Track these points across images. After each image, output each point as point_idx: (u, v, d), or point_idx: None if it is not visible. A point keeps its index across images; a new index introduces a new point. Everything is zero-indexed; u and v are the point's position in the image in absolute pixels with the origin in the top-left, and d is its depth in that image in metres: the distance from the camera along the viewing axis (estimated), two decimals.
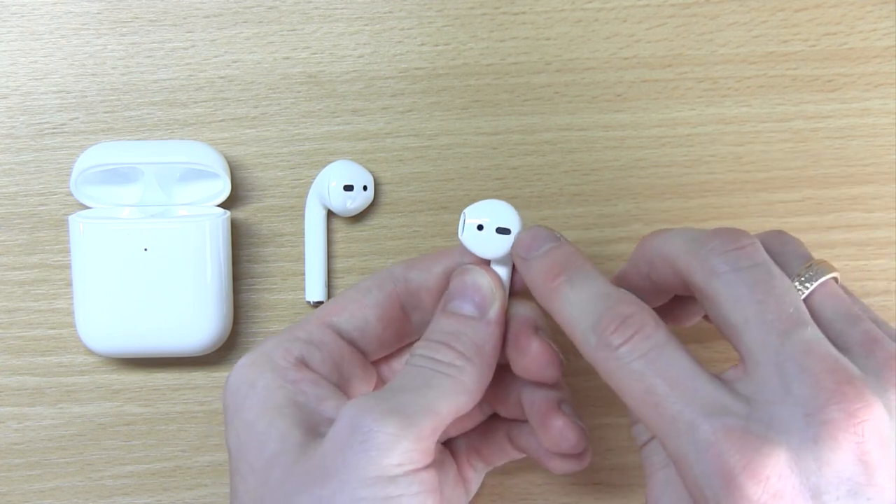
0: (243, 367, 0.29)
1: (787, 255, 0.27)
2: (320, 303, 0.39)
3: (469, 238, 0.31)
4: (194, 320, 0.36)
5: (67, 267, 0.38)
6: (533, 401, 0.31)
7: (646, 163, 0.39)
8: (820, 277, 0.26)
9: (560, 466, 0.32)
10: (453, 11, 0.38)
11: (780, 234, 0.29)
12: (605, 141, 0.39)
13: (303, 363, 0.29)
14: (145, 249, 0.36)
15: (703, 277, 0.25)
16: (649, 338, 0.25)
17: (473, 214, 0.31)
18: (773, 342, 0.24)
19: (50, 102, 0.38)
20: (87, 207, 0.38)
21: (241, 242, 0.39)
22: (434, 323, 0.30)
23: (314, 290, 0.38)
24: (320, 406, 0.28)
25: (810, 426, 0.22)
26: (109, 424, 0.39)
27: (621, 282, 0.30)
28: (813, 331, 0.24)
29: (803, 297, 0.26)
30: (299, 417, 0.28)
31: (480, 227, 0.31)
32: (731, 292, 0.25)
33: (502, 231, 0.31)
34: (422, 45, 0.39)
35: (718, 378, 0.25)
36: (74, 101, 0.38)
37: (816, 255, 0.39)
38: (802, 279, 0.26)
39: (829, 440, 0.22)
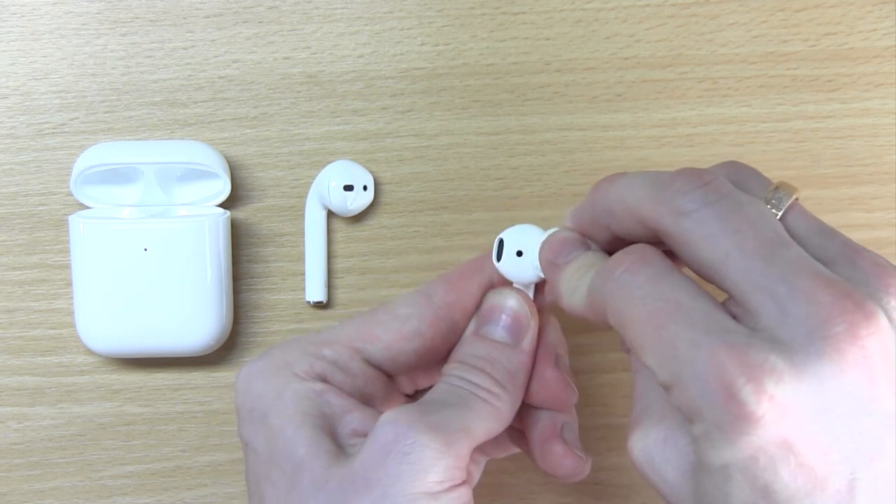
0: (264, 372, 0.29)
1: (747, 182, 0.27)
2: (320, 303, 0.39)
3: (503, 262, 0.31)
4: (194, 320, 0.36)
5: (67, 267, 0.38)
6: (535, 421, 0.31)
7: (646, 163, 0.39)
8: (789, 198, 0.25)
9: (554, 474, 0.32)
10: (453, 11, 0.38)
11: (733, 164, 0.28)
12: (605, 141, 0.39)
13: (325, 380, 0.29)
14: (145, 249, 0.36)
15: (672, 220, 0.25)
16: (651, 264, 0.25)
17: (509, 238, 0.31)
18: (760, 268, 0.23)
19: (50, 102, 0.38)
20: (87, 207, 0.38)
21: (241, 242, 0.39)
22: (468, 345, 0.30)
23: (314, 290, 0.38)
24: (346, 417, 0.28)
25: (814, 342, 0.21)
26: (109, 424, 0.39)
27: (581, 233, 0.30)
28: (797, 250, 0.23)
29: (777, 218, 0.25)
30: (327, 426, 0.28)
31: (520, 253, 0.30)
32: (704, 229, 0.24)
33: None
34: (422, 45, 0.39)
35: (723, 305, 0.24)
36: (74, 101, 0.38)
37: None
38: (771, 202, 0.25)
39: (835, 354, 0.21)
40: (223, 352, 0.39)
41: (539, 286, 0.31)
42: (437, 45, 0.39)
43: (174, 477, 0.39)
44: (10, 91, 0.38)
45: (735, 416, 0.21)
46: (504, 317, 0.30)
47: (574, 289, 0.27)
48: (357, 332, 0.30)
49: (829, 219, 0.39)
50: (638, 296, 0.24)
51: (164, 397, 0.39)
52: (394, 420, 0.26)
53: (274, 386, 0.28)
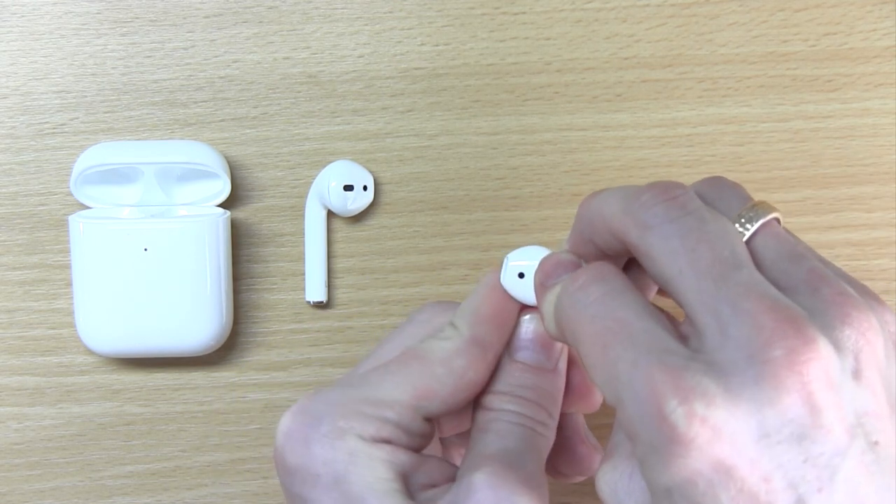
0: (326, 437, 0.28)
1: (725, 199, 0.26)
2: (320, 303, 0.39)
3: (510, 283, 0.30)
4: (194, 320, 0.36)
5: (67, 267, 0.38)
6: (559, 428, 0.32)
7: (646, 163, 0.39)
8: (761, 218, 0.25)
9: (578, 475, 0.32)
10: (453, 11, 0.38)
11: (717, 179, 0.28)
12: (605, 141, 0.39)
13: (390, 441, 0.28)
14: (145, 249, 0.36)
15: (637, 233, 0.25)
16: (605, 281, 0.25)
17: (517, 259, 0.30)
18: (709, 288, 0.23)
19: (50, 102, 0.38)
20: (87, 207, 0.38)
21: (241, 242, 0.39)
22: (510, 374, 0.30)
23: (314, 290, 0.38)
24: (414, 475, 0.28)
25: (751, 366, 0.21)
26: (109, 424, 0.39)
27: (575, 253, 0.30)
28: (749, 272, 0.23)
29: (745, 238, 0.25)
30: (403, 489, 0.27)
31: (521, 275, 0.30)
32: (664, 245, 0.24)
33: None
34: (422, 45, 0.39)
35: (673, 326, 0.24)
36: (74, 101, 0.38)
37: None
38: (743, 220, 0.25)
39: (772, 379, 0.21)
40: (223, 352, 0.39)
41: None
42: (437, 45, 0.39)
43: (174, 477, 0.39)
44: (10, 91, 0.38)
45: (667, 439, 0.21)
46: (539, 341, 0.30)
47: (548, 312, 0.27)
48: (415, 390, 0.29)
49: (829, 219, 0.39)
50: (588, 314, 0.24)
51: (164, 397, 0.39)
52: (492, 485, 0.26)
53: (342, 451, 0.27)
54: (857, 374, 0.22)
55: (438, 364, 0.29)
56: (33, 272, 0.39)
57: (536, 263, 0.30)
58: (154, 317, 0.36)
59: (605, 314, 0.24)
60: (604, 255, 0.28)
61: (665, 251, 0.24)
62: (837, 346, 0.22)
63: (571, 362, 0.32)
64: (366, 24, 0.38)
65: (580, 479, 0.33)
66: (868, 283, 0.39)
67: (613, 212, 0.26)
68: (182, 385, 0.39)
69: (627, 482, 0.24)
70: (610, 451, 0.25)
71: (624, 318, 0.23)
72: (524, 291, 0.30)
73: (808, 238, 0.39)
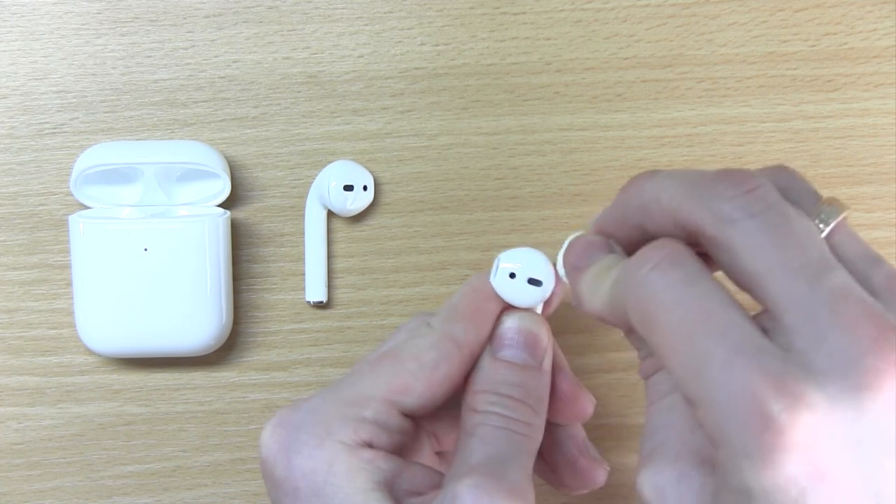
0: (305, 445, 0.28)
1: (796, 191, 0.25)
2: (320, 303, 0.39)
3: (500, 283, 0.30)
4: (194, 320, 0.36)
5: (67, 267, 0.38)
6: (557, 443, 0.31)
7: (646, 163, 0.39)
8: (837, 216, 0.24)
9: (581, 489, 0.32)
10: (453, 11, 0.38)
11: (783, 169, 0.26)
12: (605, 141, 0.39)
13: (370, 444, 0.28)
14: (145, 249, 0.36)
15: (716, 227, 0.23)
16: (683, 265, 0.23)
17: (507, 260, 0.30)
18: (802, 289, 0.22)
19: (50, 102, 0.38)
20: (87, 207, 0.38)
21: (241, 242, 0.39)
22: (493, 371, 0.30)
23: (314, 290, 0.38)
24: (397, 480, 0.28)
25: (851, 374, 0.21)
26: (109, 424, 0.39)
27: (606, 234, 0.29)
28: (843, 275, 0.22)
29: (823, 235, 0.24)
30: (388, 496, 0.27)
31: (513, 275, 0.30)
32: (748, 240, 0.23)
33: (534, 282, 0.30)
34: (422, 45, 0.39)
35: (755, 317, 0.23)
36: (74, 101, 0.38)
37: None
38: (819, 218, 0.24)
39: (872, 389, 0.20)
40: (223, 352, 0.39)
41: (544, 307, 0.31)
42: (437, 45, 0.39)
43: (174, 477, 0.39)
44: (10, 91, 0.38)
45: (767, 445, 0.20)
46: (523, 339, 0.30)
47: (594, 290, 0.26)
48: (389, 385, 0.29)
49: None
50: (667, 299, 0.23)
51: (164, 397, 0.39)
52: (476, 497, 0.26)
53: (321, 461, 0.27)
54: None
55: (410, 359, 0.29)
56: (33, 272, 0.39)
57: (527, 265, 0.30)
58: (154, 317, 0.36)
59: (688, 300, 0.22)
60: (640, 240, 0.26)
61: (750, 247, 0.23)
62: None
63: (558, 369, 0.31)
64: (366, 24, 0.38)
65: (584, 492, 0.33)
66: None
67: (680, 199, 0.24)
68: (182, 385, 0.39)
69: (675, 487, 0.23)
70: (651, 454, 0.25)
71: (709, 308, 0.22)
72: (514, 292, 0.30)
73: None
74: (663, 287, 0.23)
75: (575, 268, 0.28)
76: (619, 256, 0.27)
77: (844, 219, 0.24)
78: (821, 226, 0.24)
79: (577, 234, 0.29)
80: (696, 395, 0.22)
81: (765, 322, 0.23)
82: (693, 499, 0.23)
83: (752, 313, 0.23)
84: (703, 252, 0.24)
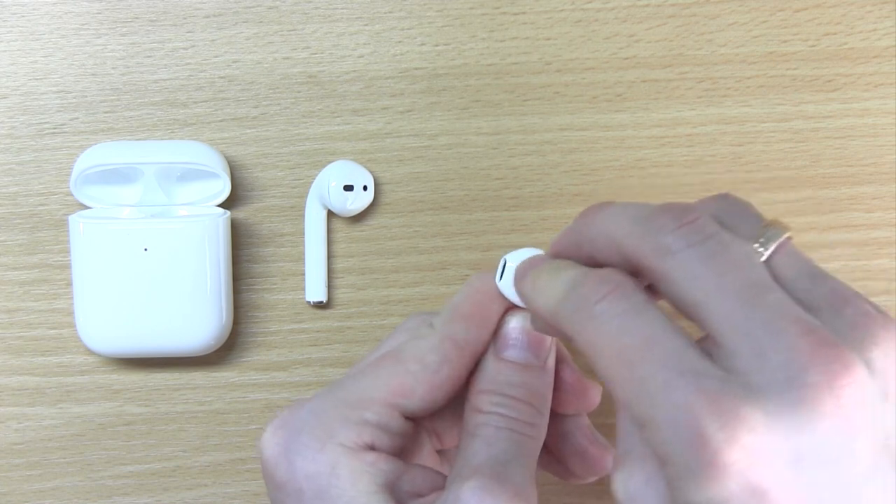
0: (307, 448, 0.28)
1: (737, 218, 0.26)
2: (320, 303, 0.39)
3: (506, 284, 0.30)
4: (194, 320, 0.36)
5: (67, 267, 0.38)
6: (565, 433, 0.32)
7: (646, 163, 0.39)
8: (777, 238, 0.25)
9: (592, 476, 0.32)
10: (453, 11, 0.38)
11: (726, 197, 0.27)
12: (605, 141, 0.39)
13: (372, 447, 0.28)
14: (145, 249, 0.36)
15: (656, 259, 0.24)
16: (628, 297, 0.24)
17: (514, 261, 0.30)
18: (739, 312, 0.22)
19: (50, 102, 0.38)
20: (87, 207, 0.38)
21: (241, 242, 0.39)
22: (496, 371, 0.30)
23: (314, 290, 0.38)
24: (398, 482, 0.28)
25: (790, 390, 0.21)
26: (109, 424, 0.39)
27: (562, 258, 0.29)
28: (780, 295, 0.23)
29: (763, 258, 0.24)
30: (388, 499, 0.27)
31: None
32: (687, 270, 0.23)
33: None
34: (422, 45, 0.39)
35: (698, 344, 0.24)
36: (74, 101, 0.38)
37: (816, 255, 0.39)
38: (760, 241, 0.25)
39: (810, 404, 0.21)
40: (223, 352, 0.39)
41: None
42: (437, 45, 0.39)
43: (174, 477, 0.39)
44: (10, 91, 0.38)
45: (705, 463, 0.21)
46: (528, 339, 0.30)
47: (542, 291, 0.27)
48: (391, 388, 0.29)
49: (829, 219, 0.39)
50: (611, 329, 0.24)
51: (164, 397, 0.39)
52: (480, 499, 0.26)
53: (324, 464, 0.27)
54: (886, 394, 0.22)
55: (412, 361, 0.29)
56: (33, 272, 0.39)
57: None
58: (154, 317, 0.36)
59: (630, 330, 0.23)
60: (593, 265, 0.28)
61: (688, 277, 0.23)
62: (870, 367, 0.22)
63: (562, 361, 0.31)
64: (366, 24, 0.38)
65: (593, 479, 0.33)
66: (868, 283, 0.40)
67: (625, 234, 0.25)
68: (182, 385, 0.39)
69: (644, 489, 0.24)
70: (623, 457, 0.25)
71: (651, 336, 0.23)
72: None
73: (808, 238, 0.39)
74: (608, 318, 0.24)
75: (519, 280, 0.29)
76: (568, 261, 0.28)
77: (788, 239, 0.25)
78: (761, 249, 0.25)
79: (520, 251, 0.30)
80: (641, 417, 0.23)
81: (710, 348, 0.23)
82: (659, 500, 0.23)
83: (698, 338, 0.24)
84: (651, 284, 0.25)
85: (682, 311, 0.24)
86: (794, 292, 0.24)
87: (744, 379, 0.22)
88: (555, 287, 0.26)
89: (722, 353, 0.23)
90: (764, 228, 0.25)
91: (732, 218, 0.26)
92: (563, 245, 0.29)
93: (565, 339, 0.26)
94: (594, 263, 0.27)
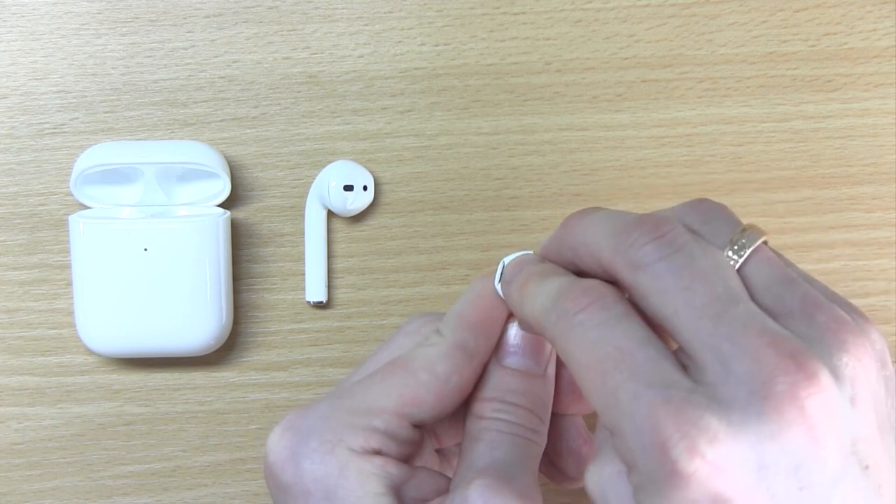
0: (316, 452, 0.28)
1: (713, 224, 0.26)
2: (320, 303, 0.39)
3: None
4: (194, 320, 0.36)
5: (67, 267, 0.38)
6: (559, 434, 0.32)
7: (646, 163, 0.39)
8: (752, 244, 0.25)
9: (573, 481, 0.32)
10: (453, 11, 0.38)
11: (702, 203, 0.27)
12: (605, 141, 0.39)
13: (379, 452, 0.28)
14: (145, 249, 0.36)
15: (628, 273, 0.25)
16: (607, 308, 0.25)
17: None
18: (706, 326, 0.23)
19: (50, 102, 0.38)
20: (87, 207, 0.38)
21: (241, 242, 0.39)
22: (499, 380, 0.30)
23: (314, 290, 0.38)
24: (404, 487, 0.28)
25: (754, 401, 0.21)
26: (109, 424, 0.39)
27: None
28: (746, 306, 0.23)
29: (737, 266, 0.25)
30: (397, 502, 0.27)
31: None
32: (657, 284, 0.24)
33: None
34: (422, 45, 0.39)
35: (673, 354, 0.24)
36: (74, 101, 0.38)
37: (816, 255, 0.39)
38: (735, 248, 0.25)
39: (774, 414, 0.21)
40: (223, 352, 0.39)
41: None
42: (437, 45, 0.39)
43: (174, 477, 0.39)
44: (10, 91, 0.38)
45: (667, 472, 0.21)
46: (528, 347, 0.30)
47: (527, 298, 0.27)
48: (401, 398, 0.29)
49: (829, 219, 0.39)
50: (589, 339, 0.24)
51: (164, 397, 0.39)
52: (486, 499, 0.26)
53: (332, 466, 0.28)
54: (853, 400, 0.22)
55: (422, 370, 0.29)
56: (33, 272, 0.39)
57: None
58: (154, 317, 0.36)
59: (606, 341, 0.24)
60: (578, 272, 0.28)
61: (658, 291, 0.24)
62: (836, 374, 0.22)
63: (562, 364, 0.31)
64: (366, 24, 0.38)
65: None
66: (868, 283, 0.40)
67: (602, 247, 0.26)
68: (182, 385, 0.39)
69: (615, 483, 0.24)
70: (596, 452, 0.26)
71: (625, 347, 0.23)
72: None
73: (808, 238, 0.39)
74: (587, 329, 0.24)
75: (506, 283, 0.29)
76: (554, 266, 0.28)
77: (764, 243, 0.25)
78: (735, 256, 0.25)
79: (517, 254, 0.30)
80: (610, 426, 0.23)
81: (684, 360, 0.24)
82: (629, 495, 0.24)
83: (676, 348, 0.24)
84: None
85: (657, 323, 0.25)
86: (766, 299, 0.24)
87: (710, 390, 0.22)
88: (540, 295, 0.27)
89: (693, 366, 0.23)
90: (740, 234, 0.25)
91: (709, 224, 0.26)
92: (548, 251, 0.29)
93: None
94: (578, 269, 0.28)
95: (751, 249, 0.25)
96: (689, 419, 0.21)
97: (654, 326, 0.26)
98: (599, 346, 0.24)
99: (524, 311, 0.28)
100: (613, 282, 0.26)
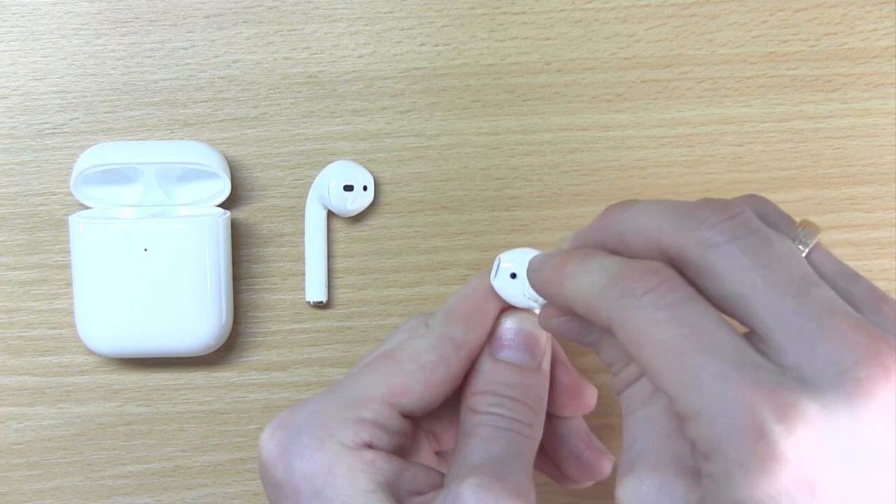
0: (306, 447, 0.28)
1: (771, 217, 0.26)
2: (320, 303, 0.39)
3: (501, 284, 0.30)
4: (194, 320, 0.36)
5: (67, 267, 0.38)
6: (561, 437, 0.32)
7: (646, 163, 0.39)
8: (813, 237, 0.25)
9: (589, 480, 0.32)
10: (453, 11, 0.38)
11: (755, 197, 0.27)
12: (605, 141, 0.39)
13: (370, 445, 0.28)
14: (145, 249, 0.36)
15: (699, 252, 0.24)
16: (676, 290, 0.24)
17: (509, 261, 0.30)
18: (789, 306, 0.22)
19: (50, 102, 0.38)
20: (87, 207, 0.38)
21: (241, 242, 0.39)
22: (493, 372, 0.30)
23: (314, 290, 0.38)
24: (397, 481, 0.28)
25: (845, 384, 0.21)
26: (109, 424, 0.39)
27: None
28: (827, 290, 0.23)
29: (804, 254, 0.25)
30: (386, 498, 0.27)
31: (514, 275, 0.30)
32: (731, 262, 0.23)
33: None
34: (422, 45, 0.39)
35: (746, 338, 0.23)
36: (74, 101, 0.38)
37: None
38: (797, 240, 0.25)
39: (866, 397, 0.21)
40: (223, 352, 0.39)
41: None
42: (437, 45, 0.39)
43: (174, 477, 0.39)
44: (10, 91, 0.38)
45: (762, 456, 0.21)
46: (523, 340, 0.30)
47: (571, 279, 0.26)
48: (389, 387, 0.29)
49: (829, 219, 0.39)
50: (660, 318, 0.23)
51: (164, 397, 0.39)
52: (479, 496, 0.26)
53: (322, 463, 0.27)
54: None
55: (409, 360, 0.29)
56: (33, 272, 0.39)
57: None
58: (154, 317, 0.36)
59: (680, 320, 0.23)
60: None
61: (734, 269, 0.23)
62: None
63: (557, 362, 0.31)
64: (366, 24, 0.38)
65: (589, 483, 0.33)
66: None
67: (661, 227, 0.25)
68: (182, 385, 0.39)
69: (657, 496, 0.24)
70: (631, 464, 0.25)
71: (703, 327, 0.23)
72: (515, 292, 0.30)
73: None
74: (657, 309, 0.23)
75: (535, 270, 0.28)
76: (594, 249, 0.27)
77: (819, 240, 0.25)
78: (800, 247, 0.25)
79: (514, 251, 0.30)
80: (689, 409, 0.22)
81: (755, 343, 0.23)
82: None
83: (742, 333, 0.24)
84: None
85: (725, 306, 0.24)
86: (835, 289, 0.24)
87: (797, 372, 0.22)
88: (590, 276, 0.26)
89: (771, 347, 0.22)
90: (798, 228, 0.25)
91: (766, 216, 0.26)
92: (586, 240, 0.28)
93: (596, 325, 0.26)
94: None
95: (813, 242, 0.25)
96: (784, 401, 0.21)
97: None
98: (675, 327, 0.23)
99: (566, 290, 0.26)
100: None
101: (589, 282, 0.26)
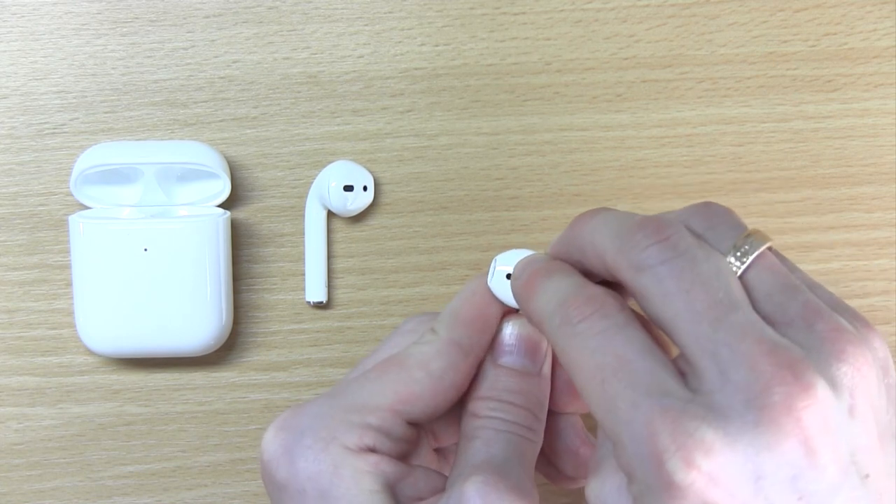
0: (310, 449, 0.28)
1: (717, 228, 0.26)
2: (320, 303, 0.39)
3: (497, 285, 0.30)
4: (194, 320, 0.36)
5: (67, 267, 0.38)
6: (557, 433, 0.32)
7: (646, 163, 0.39)
8: (755, 250, 0.25)
9: (572, 480, 0.32)
10: (453, 11, 0.38)
11: (707, 207, 0.27)
12: (605, 141, 0.39)
13: (374, 450, 0.28)
14: (145, 249, 0.36)
15: (631, 275, 0.25)
16: (609, 316, 0.25)
17: (504, 262, 0.30)
18: (706, 332, 0.23)
19: (50, 102, 0.38)
20: (87, 207, 0.38)
21: (241, 242, 0.39)
22: (495, 378, 0.30)
23: (314, 290, 0.38)
24: (400, 484, 0.28)
25: (750, 411, 0.21)
26: (109, 424, 0.39)
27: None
28: (745, 314, 0.23)
29: (739, 272, 0.25)
30: (390, 500, 0.27)
31: (510, 276, 0.30)
32: (658, 287, 0.24)
33: None
34: (422, 45, 0.39)
35: (675, 365, 0.24)
36: (74, 101, 0.38)
37: (816, 255, 0.39)
38: (738, 254, 0.25)
39: (770, 424, 0.21)
40: (223, 352, 0.39)
41: None
42: (437, 45, 0.39)
43: (174, 477, 0.39)
44: (10, 91, 0.38)
45: (664, 483, 0.21)
46: (524, 346, 0.30)
47: (534, 299, 0.27)
48: (396, 395, 0.29)
49: (829, 219, 0.39)
50: (589, 347, 0.24)
51: (164, 397, 0.39)
52: (483, 494, 0.26)
53: (327, 463, 0.27)
54: (851, 410, 0.22)
55: (417, 367, 0.29)
56: (33, 272, 0.39)
57: None
58: (154, 317, 0.36)
59: (606, 349, 0.24)
60: (591, 277, 0.28)
61: (660, 294, 0.24)
62: (834, 384, 0.22)
63: (556, 360, 0.31)
64: (366, 24, 0.38)
65: (584, 482, 0.33)
66: (868, 283, 0.40)
67: (606, 248, 0.26)
68: (182, 385, 0.39)
69: (616, 497, 0.24)
70: (597, 464, 0.26)
71: (625, 356, 0.24)
72: (511, 294, 0.30)
73: (807, 238, 0.39)
74: (588, 337, 0.25)
75: (514, 279, 0.29)
76: (560, 265, 0.28)
77: (768, 249, 0.25)
78: (737, 263, 0.25)
79: (510, 252, 0.30)
80: (611, 433, 0.23)
81: (682, 367, 0.24)
82: None
83: (677, 355, 0.24)
84: None
85: (658, 327, 0.25)
86: (767, 306, 0.24)
87: (707, 399, 0.22)
88: (544, 295, 0.27)
89: (692, 372, 0.23)
90: (744, 239, 0.25)
91: (713, 228, 0.26)
92: (558, 250, 0.29)
93: None
94: (585, 269, 0.28)
95: (754, 256, 0.25)
96: (685, 430, 0.21)
97: (657, 332, 0.26)
98: (599, 355, 0.24)
99: (529, 309, 0.28)
100: (618, 283, 0.26)
101: (544, 302, 0.27)
